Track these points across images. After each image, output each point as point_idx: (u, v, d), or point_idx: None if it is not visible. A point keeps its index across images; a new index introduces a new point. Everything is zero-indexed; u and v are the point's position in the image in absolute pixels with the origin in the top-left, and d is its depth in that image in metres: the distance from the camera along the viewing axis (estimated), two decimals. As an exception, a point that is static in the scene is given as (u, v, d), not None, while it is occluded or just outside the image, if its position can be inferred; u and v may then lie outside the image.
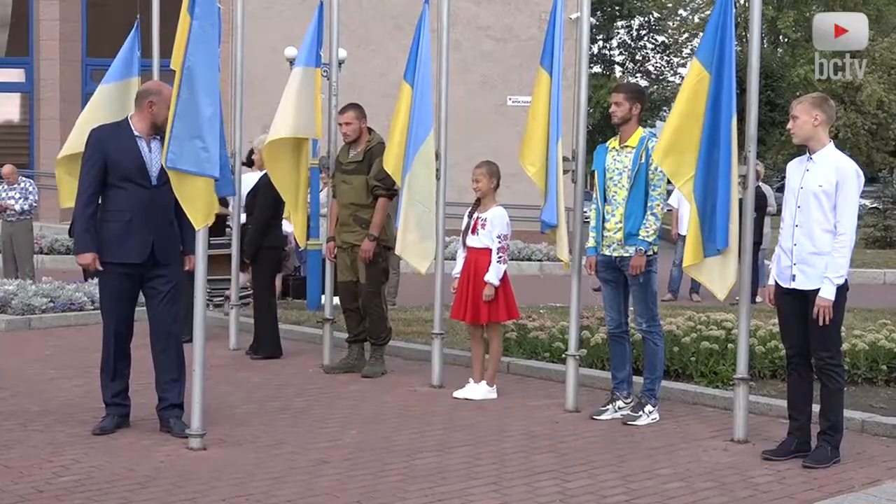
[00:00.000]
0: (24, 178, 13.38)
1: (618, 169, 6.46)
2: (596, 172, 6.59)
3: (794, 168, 5.78)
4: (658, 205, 6.39)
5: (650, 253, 6.42)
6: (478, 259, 7.14)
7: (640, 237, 6.37)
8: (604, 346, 7.61)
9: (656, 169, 6.35)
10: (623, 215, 6.42)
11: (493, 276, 7.08)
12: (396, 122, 7.51)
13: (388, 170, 7.51)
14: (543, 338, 8.32)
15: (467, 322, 7.32)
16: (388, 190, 7.75)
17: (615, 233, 6.47)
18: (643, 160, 6.36)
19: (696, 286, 13.68)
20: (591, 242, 6.63)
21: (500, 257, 7.11)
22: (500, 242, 7.12)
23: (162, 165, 5.79)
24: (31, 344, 9.27)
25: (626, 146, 6.46)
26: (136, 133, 5.97)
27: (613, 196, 6.47)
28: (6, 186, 13.04)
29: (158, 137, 5.93)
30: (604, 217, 6.52)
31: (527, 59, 20.42)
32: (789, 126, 5.71)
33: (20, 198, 13.03)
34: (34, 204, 13.30)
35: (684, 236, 13.56)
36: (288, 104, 8.21)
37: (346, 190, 7.87)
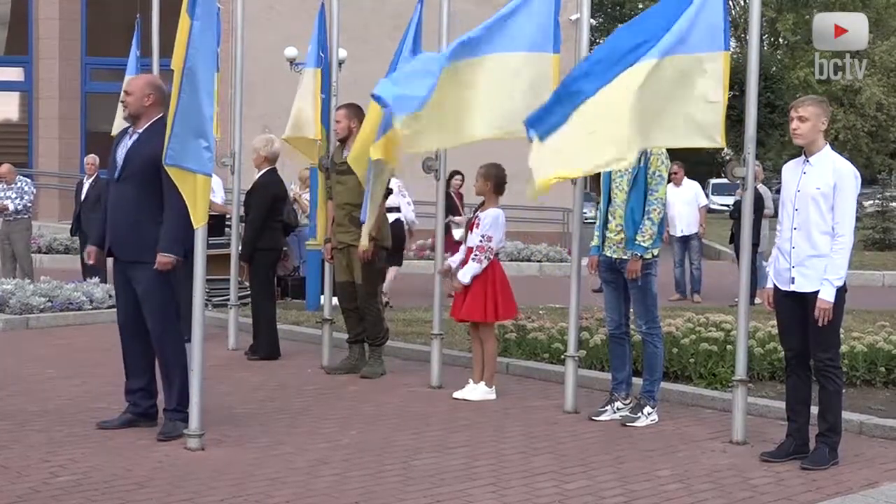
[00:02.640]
0: (21, 178, 13.36)
1: (619, 171, 6.45)
2: (601, 173, 6.59)
3: (790, 171, 5.78)
4: (655, 210, 6.37)
5: (648, 257, 6.42)
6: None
7: (636, 242, 6.37)
8: (603, 347, 7.60)
9: (654, 173, 6.35)
10: (623, 218, 6.42)
11: (463, 273, 7.09)
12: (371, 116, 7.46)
13: (350, 161, 7.51)
14: (542, 339, 8.31)
15: (457, 319, 7.35)
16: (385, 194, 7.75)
17: (616, 235, 6.47)
18: (642, 163, 6.35)
19: (696, 286, 13.70)
20: (594, 241, 6.65)
21: (475, 256, 7.10)
22: (481, 242, 7.11)
23: (125, 159, 5.90)
24: (29, 343, 9.26)
25: None
26: (130, 129, 6.07)
27: (615, 198, 6.48)
28: (4, 186, 13.04)
29: (140, 131, 5.97)
30: (606, 218, 6.53)
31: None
32: (794, 126, 5.63)
33: (16, 197, 13.02)
34: (28, 204, 13.26)
35: (680, 237, 13.72)
36: (300, 104, 8.32)
37: (341, 190, 7.86)
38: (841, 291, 5.55)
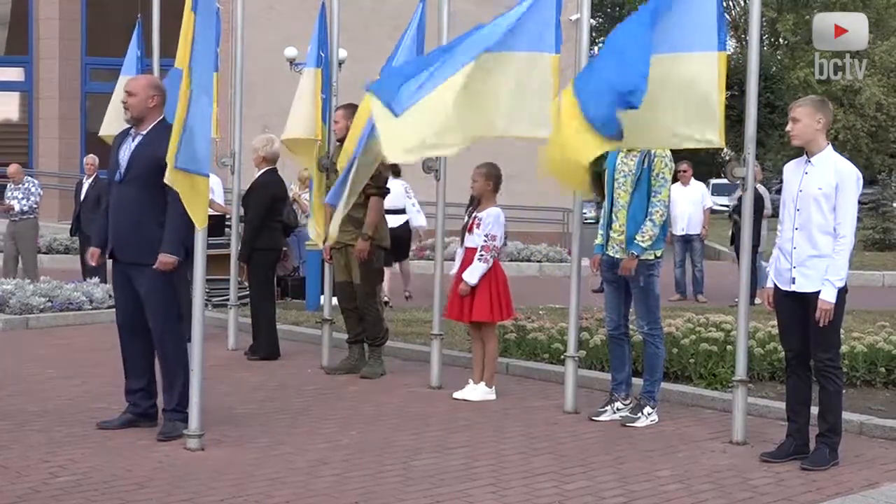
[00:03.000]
0: (28, 178, 13.38)
1: (623, 172, 6.46)
2: (606, 172, 6.60)
3: (791, 171, 5.77)
4: (658, 212, 6.37)
5: (650, 258, 6.41)
6: (472, 258, 7.14)
7: (635, 241, 6.37)
8: (603, 347, 7.60)
9: (658, 175, 6.35)
10: (626, 218, 6.42)
11: (469, 274, 7.08)
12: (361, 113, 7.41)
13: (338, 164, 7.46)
14: (542, 339, 8.31)
15: (453, 319, 7.35)
16: (380, 189, 7.75)
17: (619, 235, 6.48)
18: (646, 165, 6.36)
19: (699, 287, 13.71)
20: (598, 240, 6.66)
21: (481, 256, 7.09)
22: (485, 241, 7.10)
23: (129, 161, 5.89)
24: (28, 343, 9.26)
25: (633, 150, 6.46)
26: (133, 130, 6.04)
27: (618, 199, 6.48)
28: (12, 186, 13.07)
29: (144, 133, 5.96)
30: (610, 218, 6.54)
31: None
32: (789, 128, 5.67)
33: (22, 197, 13.03)
34: (34, 205, 13.28)
35: (681, 237, 13.72)
36: (301, 105, 8.30)
37: None
38: (842, 292, 5.55)
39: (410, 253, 17.53)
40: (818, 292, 5.51)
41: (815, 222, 5.53)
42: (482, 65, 6.44)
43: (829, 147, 5.65)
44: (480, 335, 7.26)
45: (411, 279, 12.81)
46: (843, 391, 5.79)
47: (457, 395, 7.18)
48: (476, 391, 7.16)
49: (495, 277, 7.17)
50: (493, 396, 7.18)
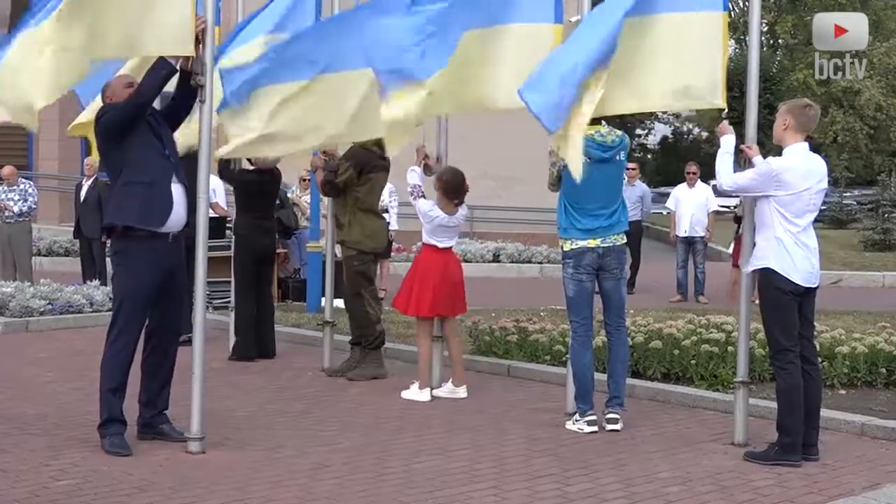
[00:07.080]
0: (23, 180, 13.38)
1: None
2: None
3: None
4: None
5: (564, 247, 6.44)
6: (447, 259, 7.23)
7: None
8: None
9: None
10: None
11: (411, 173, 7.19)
12: None
13: None
14: (544, 340, 8.30)
15: (447, 315, 7.30)
16: (330, 185, 7.80)
17: None
18: (562, 163, 6.37)
19: (700, 288, 13.70)
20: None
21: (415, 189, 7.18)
22: (413, 189, 7.16)
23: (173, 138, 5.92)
24: (28, 346, 9.25)
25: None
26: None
27: None
28: (6, 188, 13.04)
29: None
30: None
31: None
32: None
33: (19, 199, 13.02)
34: (33, 206, 13.28)
35: (685, 238, 13.72)
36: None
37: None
38: (772, 287, 5.60)
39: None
40: (753, 271, 5.74)
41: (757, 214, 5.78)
42: (479, 37, 6.31)
43: (792, 146, 5.67)
44: (446, 331, 7.22)
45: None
46: (789, 392, 5.59)
47: (404, 394, 7.15)
48: (411, 391, 7.13)
49: (448, 272, 7.18)
50: (463, 395, 7.13)
